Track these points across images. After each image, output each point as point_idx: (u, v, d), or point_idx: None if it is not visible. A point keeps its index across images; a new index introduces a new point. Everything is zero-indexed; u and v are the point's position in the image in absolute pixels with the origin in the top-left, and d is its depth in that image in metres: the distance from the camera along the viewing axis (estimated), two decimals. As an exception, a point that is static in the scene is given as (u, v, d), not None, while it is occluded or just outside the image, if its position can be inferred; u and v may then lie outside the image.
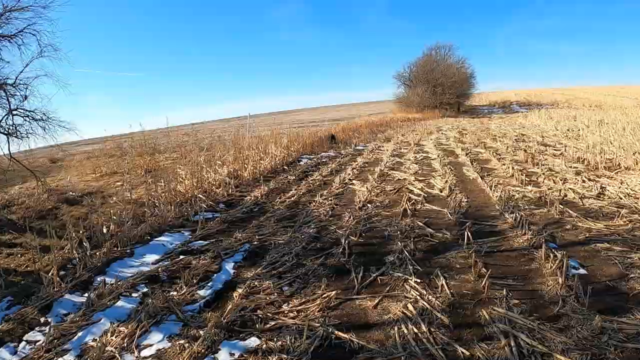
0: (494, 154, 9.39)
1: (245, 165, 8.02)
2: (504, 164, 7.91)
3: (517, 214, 4.54)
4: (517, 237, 3.97)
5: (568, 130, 13.44)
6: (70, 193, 8.19)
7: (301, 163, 9.71)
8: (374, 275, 3.32)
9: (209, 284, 3.63)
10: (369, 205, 5.45)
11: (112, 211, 5.50)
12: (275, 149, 9.38)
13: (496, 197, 5.41)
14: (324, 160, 10.11)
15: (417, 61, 32.76)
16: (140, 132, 17.10)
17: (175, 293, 3.49)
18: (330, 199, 5.97)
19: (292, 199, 6.13)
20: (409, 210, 5.00)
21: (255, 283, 3.44)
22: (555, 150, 9.55)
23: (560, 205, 4.73)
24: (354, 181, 7.18)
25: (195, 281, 3.68)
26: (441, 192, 5.95)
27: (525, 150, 9.48)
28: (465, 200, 5.36)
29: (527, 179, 6.35)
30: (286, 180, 7.68)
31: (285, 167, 9.07)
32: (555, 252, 3.46)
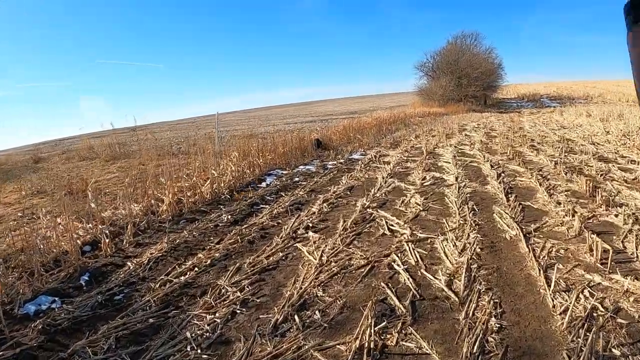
0: (538, 176, 6.45)
1: (163, 196, 5.49)
2: (558, 202, 5.00)
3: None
4: None
5: (624, 135, 10.24)
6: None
7: (263, 184, 7.07)
8: None
9: None
10: (296, 317, 2.73)
11: None
12: (226, 165, 6.79)
13: (560, 312, 2.61)
14: (296, 179, 7.41)
15: (441, 50, 29.45)
16: (111, 131, 15.21)
17: None
18: (244, 283, 3.32)
19: (185, 276, 3.52)
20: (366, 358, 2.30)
21: None
22: (623, 170, 6.51)
23: None
24: (310, 232, 4.45)
25: None
26: (450, 284, 3.11)
27: (582, 172, 6.52)
28: (497, 323, 2.56)
29: (607, 245, 3.49)
30: (215, 222, 5.07)
31: (236, 192, 6.47)
32: None
